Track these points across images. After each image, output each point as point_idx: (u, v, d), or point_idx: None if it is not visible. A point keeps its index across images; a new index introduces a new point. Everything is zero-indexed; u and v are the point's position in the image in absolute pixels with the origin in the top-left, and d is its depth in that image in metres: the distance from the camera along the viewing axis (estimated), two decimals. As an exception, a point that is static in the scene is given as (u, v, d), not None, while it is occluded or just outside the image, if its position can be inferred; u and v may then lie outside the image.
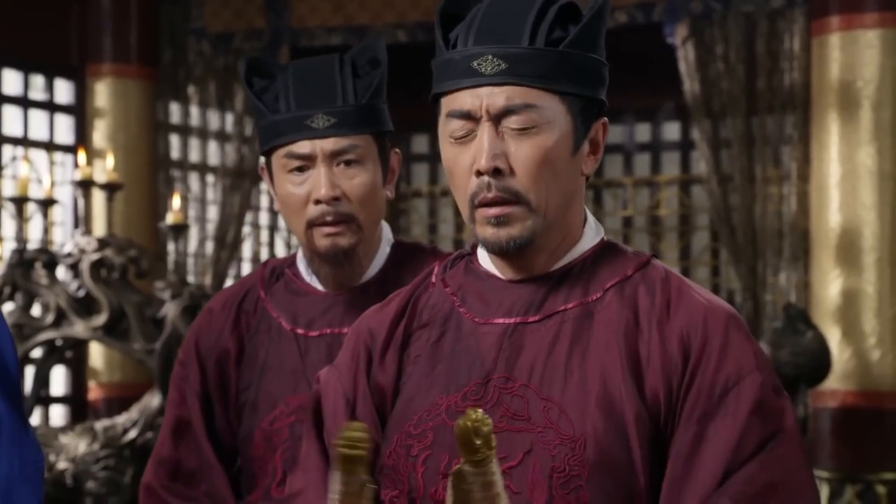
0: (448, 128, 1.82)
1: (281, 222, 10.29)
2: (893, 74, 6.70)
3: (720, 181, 7.51)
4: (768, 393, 1.76)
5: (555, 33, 1.80)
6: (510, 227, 1.80)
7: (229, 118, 8.39)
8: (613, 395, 1.77)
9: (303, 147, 2.35)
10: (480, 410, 1.64)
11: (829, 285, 6.78)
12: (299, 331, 2.41)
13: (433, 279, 1.94)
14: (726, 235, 7.52)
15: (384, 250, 2.45)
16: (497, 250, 1.83)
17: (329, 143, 2.34)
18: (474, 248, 1.93)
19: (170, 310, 5.71)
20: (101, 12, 8.16)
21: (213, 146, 8.57)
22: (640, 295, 1.83)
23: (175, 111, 8.52)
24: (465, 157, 1.81)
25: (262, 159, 2.45)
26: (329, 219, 2.35)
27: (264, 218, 10.09)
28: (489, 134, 1.78)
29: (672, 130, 9.54)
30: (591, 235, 1.89)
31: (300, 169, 2.36)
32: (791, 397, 6.26)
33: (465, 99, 1.79)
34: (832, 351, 6.40)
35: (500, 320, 1.84)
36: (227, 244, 8.49)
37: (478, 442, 1.63)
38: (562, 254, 1.86)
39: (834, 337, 6.62)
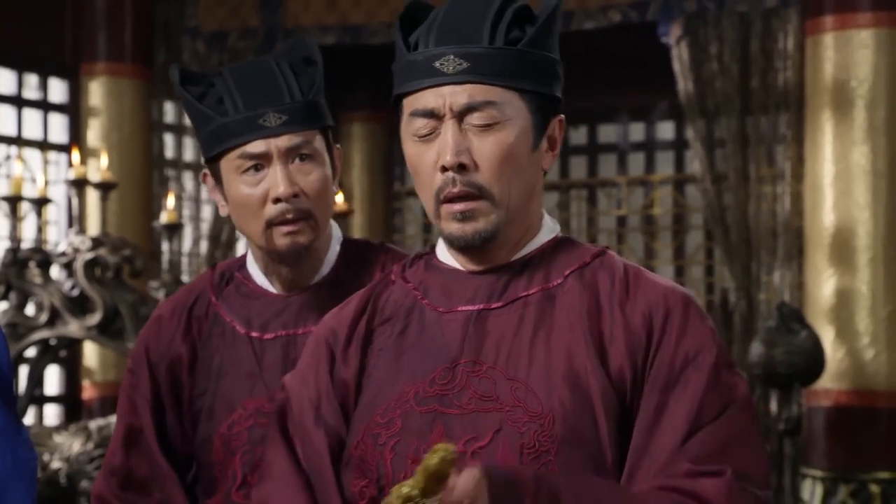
0: (412, 126, 1.88)
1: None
2: (887, 74, 6.70)
3: (714, 180, 7.52)
4: (723, 367, 1.84)
5: (512, 33, 1.86)
6: (475, 222, 1.86)
7: (223, 117, 8.36)
8: (579, 372, 1.84)
9: (257, 146, 2.33)
10: (452, 447, 1.67)
11: (823, 284, 6.78)
12: (254, 334, 2.39)
13: (393, 277, 2.00)
14: (720, 234, 7.54)
15: (335, 248, 2.44)
16: (463, 244, 1.89)
17: (283, 141, 2.33)
18: (433, 248, 2.00)
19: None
20: (95, 11, 8.15)
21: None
22: (599, 279, 1.90)
23: (169, 110, 8.52)
24: (429, 155, 1.86)
25: (205, 166, 2.43)
26: (289, 216, 2.33)
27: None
28: (453, 130, 1.84)
29: (666, 130, 9.54)
30: (548, 230, 1.97)
31: (255, 168, 2.34)
32: (785, 396, 6.33)
33: (429, 98, 1.85)
34: (826, 350, 6.39)
35: (464, 308, 1.90)
36: (222, 243, 8.48)
37: (443, 480, 1.66)
38: (521, 246, 1.93)
39: (828, 336, 6.61)
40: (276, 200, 2.32)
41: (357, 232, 9.74)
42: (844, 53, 6.75)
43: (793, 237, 7.30)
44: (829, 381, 6.65)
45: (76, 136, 8.20)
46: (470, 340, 1.88)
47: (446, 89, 1.84)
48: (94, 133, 8.13)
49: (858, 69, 6.72)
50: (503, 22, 1.86)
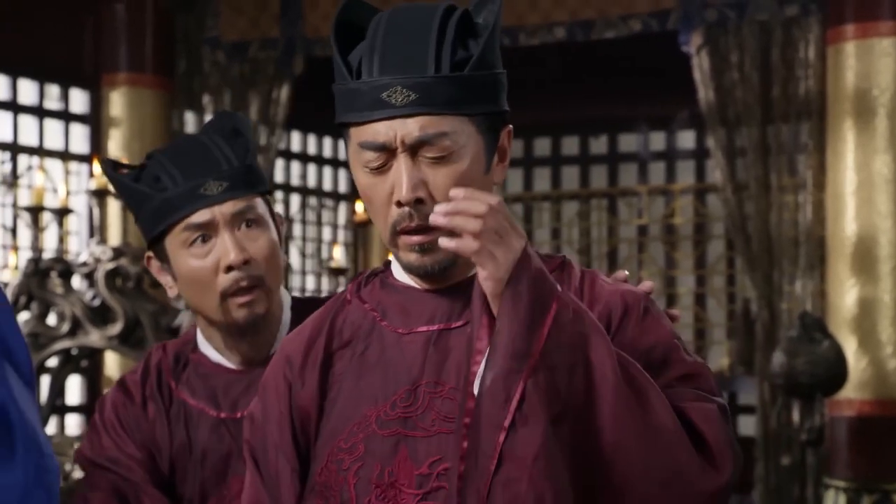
0: (361, 157, 1.82)
1: (296, 231, 10.31)
2: (909, 83, 6.68)
3: (735, 190, 7.48)
4: (688, 361, 1.82)
5: (458, 54, 1.80)
6: (434, 253, 1.82)
7: (244, 127, 8.36)
8: None
9: (202, 216, 2.28)
10: None
11: (846, 294, 6.75)
12: (223, 415, 2.36)
13: (348, 296, 1.95)
14: (742, 244, 7.51)
15: (287, 314, 2.39)
16: (422, 274, 1.85)
17: (228, 207, 2.29)
18: (387, 264, 1.95)
19: (185, 319, 5.70)
20: (116, 22, 8.16)
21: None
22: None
23: (190, 120, 8.53)
24: (383, 187, 1.82)
25: (149, 251, 2.38)
26: (244, 284, 2.28)
27: (279, 227, 10.08)
28: (407, 165, 1.79)
29: (687, 139, 9.53)
30: None
31: (203, 239, 2.29)
32: (807, 406, 6.30)
33: (379, 130, 1.80)
34: (848, 360, 6.36)
35: (423, 328, 1.86)
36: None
37: None
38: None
39: (850, 346, 6.58)
40: (229, 269, 2.28)
41: (378, 242, 9.74)
42: (866, 62, 6.73)
43: (815, 246, 7.28)
44: (852, 391, 6.62)
45: (97, 146, 8.21)
46: (430, 361, 1.84)
47: (396, 122, 1.79)
48: (115, 143, 8.14)
49: (880, 78, 6.69)
50: (446, 44, 1.80)
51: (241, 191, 2.30)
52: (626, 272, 2.05)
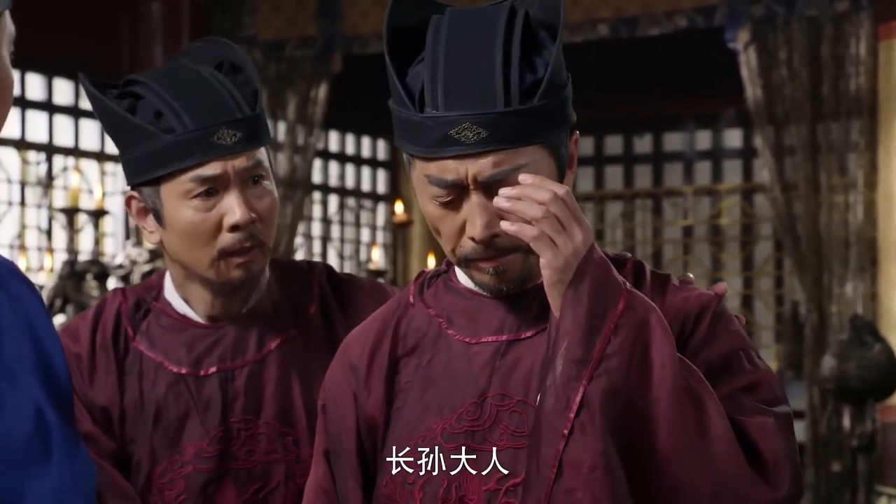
0: (429, 190, 1.77)
1: (334, 232, 10.24)
2: (963, 79, 6.57)
3: (784, 189, 7.43)
4: (753, 370, 1.80)
5: (526, 80, 1.74)
6: (509, 273, 1.79)
7: (281, 127, 8.31)
8: None
9: (214, 168, 2.10)
10: None
11: (898, 296, 6.69)
12: (185, 370, 2.19)
13: (410, 299, 1.91)
14: (790, 245, 7.46)
15: (266, 272, 2.22)
16: (495, 294, 1.81)
17: (240, 161, 2.11)
18: (449, 264, 1.90)
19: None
20: (151, 21, 8.16)
21: (265, 155, 8.50)
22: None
23: (227, 120, 8.46)
24: (453, 220, 1.78)
25: (129, 189, 2.18)
26: (246, 245, 2.12)
27: (317, 228, 10.05)
28: (480, 203, 1.75)
29: (734, 138, 9.48)
30: None
31: (207, 193, 2.11)
32: (858, 412, 6.23)
33: (448, 167, 1.74)
34: (901, 364, 6.30)
35: (491, 338, 1.83)
36: (279, 255, 8.41)
37: None
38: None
39: (903, 350, 6.50)
40: (234, 228, 2.11)
41: (417, 243, 9.65)
42: (919, 58, 6.64)
43: (865, 247, 7.22)
44: (905, 397, 6.54)
45: (133, 146, 8.16)
46: (498, 373, 1.80)
47: (468, 160, 1.73)
48: (150, 144, 8.09)
49: (934, 74, 6.60)
50: (513, 69, 1.73)
51: (253, 143, 2.13)
52: (692, 276, 1.99)
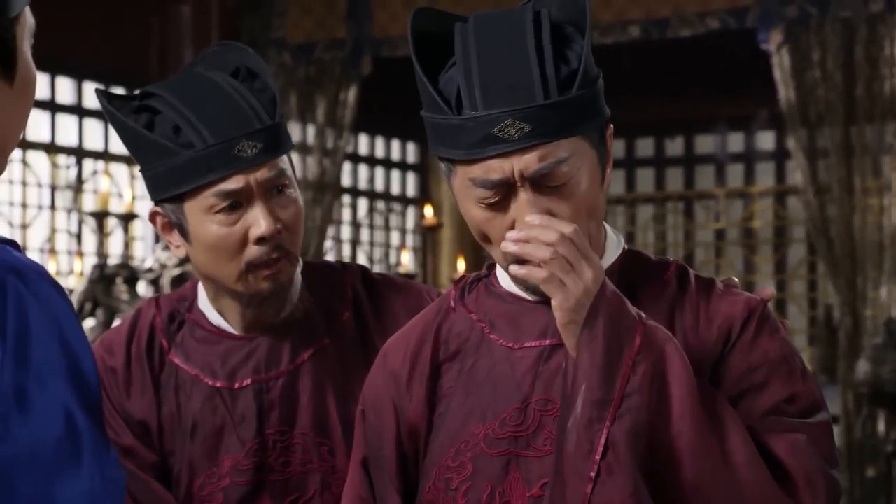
0: (475, 194, 1.77)
1: (364, 235, 10.23)
2: None
3: (817, 192, 7.38)
4: (790, 381, 1.79)
5: (561, 72, 1.75)
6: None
7: (311, 130, 8.30)
8: None
9: (236, 182, 2.08)
10: None
11: (934, 300, 6.64)
12: (220, 384, 2.18)
13: (452, 304, 1.91)
14: (824, 248, 7.42)
15: (298, 279, 2.19)
16: (539, 292, 1.79)
17: (262, 173, 2.09)
18: (490, 268, 1.91)
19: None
20: (181, 23, 8.17)
21: (294, 159, 8.49)
22: (674, 302, 1.84)
23: (256, 123, 8.45)
24: (502, 221, 1.77)
25: (156, 207, 2.17)
26: (273, 256, 2.10)
27: (346, 232, 10.04)
28: (529, 199, 1.75)
29: (766, 140, 9.45)
30: (613, 248, 1.89)
31: (231, 207, 2.09)
32: (893, 417, 6.17)
33: (493, 166, 1.74)
34: (937, 369, 6.26)
35: (535, 343, 1.82)
36: (309, 258, 8.39)
37: None
38: None
39: (939, 354, 6.45)
40: (260, 241, 2.10)
41: (447, 246, 9.63)
42: (955, 59, 6.59)
43: (900, 251, 7.19)
44: (942, 402, 6.48)
45: (163, 150, 8.17)
46: (541, 378, 1.79)
47: (513, 157, 1.73)
48: (180, 147, 8.10)
49: (970, 75, 6.55)
50: (548, 63, 1.73)
51: (274, 152, 2.11)
52: (736, 280, 1.97)
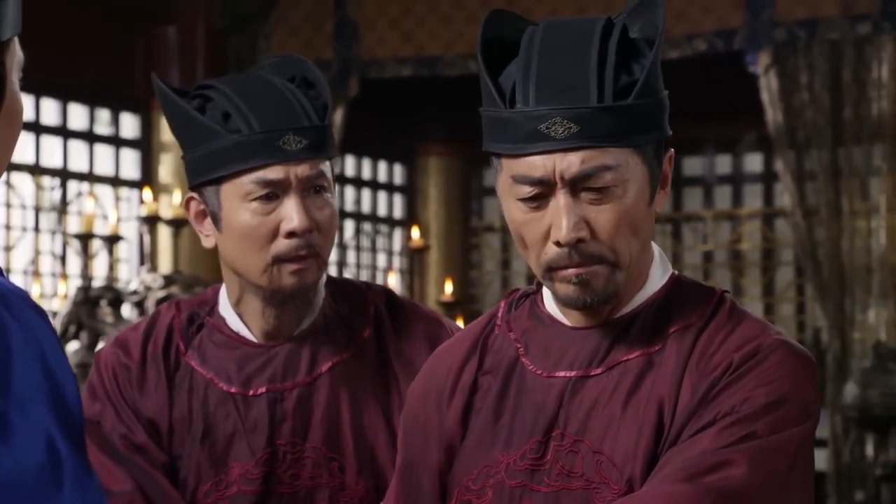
0: (515, 190, 1.75)
1: (350, 257, 10.19)
2: None
3: (805, 214, 7.41)
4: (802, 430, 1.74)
5: (620, 80, 1.71)
6: (593, 285, 1.74)
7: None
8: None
9: (276, 172, 2.10)
10: None
11: (922, 323, 6.65)
12: (234, 390, 2.17)
13: (498, 321, 1.90)
14: (812, 271, 7.44)
15: (321, 291, 2.22)
16: (579, 307, 1.77)
17: (303, 169, 2.11)
18: (539, 286, 1.87)
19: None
20: (167, 45, 8.18)
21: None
22: (701, 338, 1.78)
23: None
24: (539, 224, 1.74)
25: (192, 191, 2.21)
26: (302, 253, 2.11)
27: (333, 254, 9.99)
28: (566, 202, 1.71)
29: (754, 162, 9.48)
30: (659, 274, 1.84)
31: (267, 197, 2.11)
32: (882, 440, 6.16)
33: (536, 163, 1.72)
34: (926, 392, 6.26)
35: (563, 373, 1.80)
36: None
37: None
38: (629, 298, 1.82)
39: (928, 377, 6.45)
40: (290, 235, 2.11)
41: (434, 269, 9.60)
42: (943, 81, 6.61)
43: (888, 273, 7.19)
44: (930, 425, 6.48)
45: (148, 172, 8.25)
46: (564, 410, 1.78)
47: (556, 156, 1.70)
48: (165, 169, 8.17)
49: (958, 98, 6.57)
50: (608, 68, 1.70)
51: (318, 152, 2.13)
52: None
